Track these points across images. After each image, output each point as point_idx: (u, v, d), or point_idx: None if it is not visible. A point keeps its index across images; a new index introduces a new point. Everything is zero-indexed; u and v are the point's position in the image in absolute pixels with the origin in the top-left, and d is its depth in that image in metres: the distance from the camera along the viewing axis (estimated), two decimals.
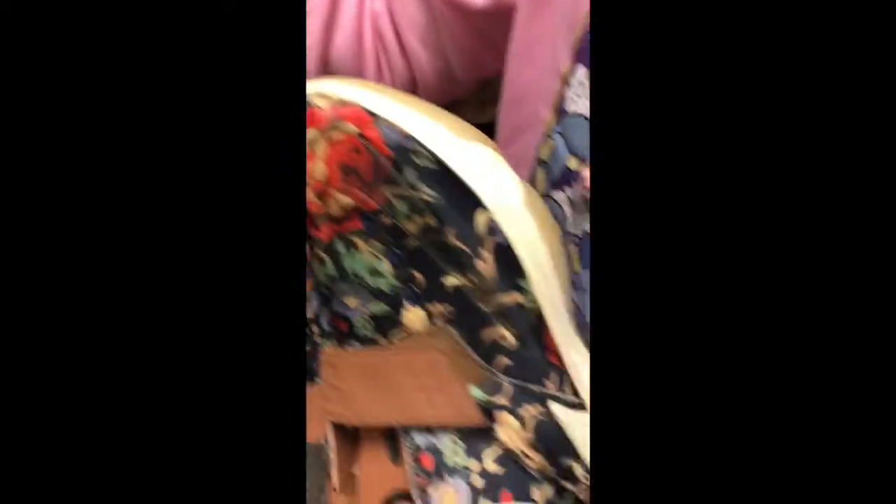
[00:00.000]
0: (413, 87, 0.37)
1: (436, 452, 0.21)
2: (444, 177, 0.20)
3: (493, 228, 0.20)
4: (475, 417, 0.20)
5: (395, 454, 0.22)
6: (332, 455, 0.23)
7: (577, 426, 0.22)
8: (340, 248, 0.21)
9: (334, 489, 0.23)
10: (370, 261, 0.21)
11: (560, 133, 0.27)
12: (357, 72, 0.35)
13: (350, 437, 0.23)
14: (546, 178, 0.28)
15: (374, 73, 0.36)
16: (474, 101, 0.40)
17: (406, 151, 0.20)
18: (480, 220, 0.20)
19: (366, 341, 0.22)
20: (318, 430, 0.24)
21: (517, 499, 0.20)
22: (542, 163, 0.29)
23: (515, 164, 0.31)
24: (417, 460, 0.21)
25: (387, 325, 0.21)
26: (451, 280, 0.20)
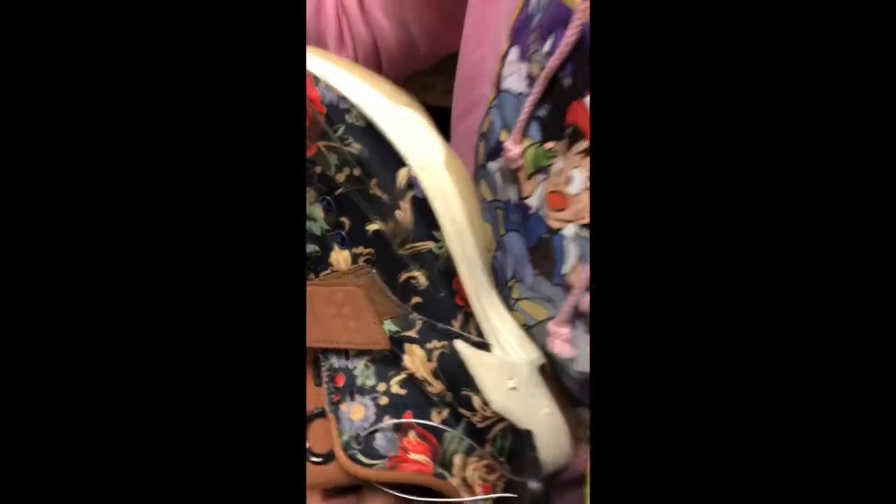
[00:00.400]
0: (375, 54, 0.39)
1: (349, 374, 0.24)
2: (371, 134, 0.23)
3: (412, 183, 0.23)
4: (381, 343, 0.23)
5: (319, 379, 0.25)
6: None
7: (478, 362, 0.25)
8: None
9: None
10: (305, 206, 0.24)
11: (496, 108, 0.30)
12: (318, 35, 0.37)
13: None
14: (484, 150, 0.31)
15: (335, 38, 0.38)
16: (440, 87, 0.42)
17: (339, 110, 0.23)
18: (401, 174, 0.23)
19: None
20: None
21: (417, 417, 0.23)
22: (482, 136, 0.31)
23: (467, 139, 0.33)
24: (333, 380, 0.24)
25: (317, 264, 0.24)
26: (373, 226, 0.23)
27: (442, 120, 0.38)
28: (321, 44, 0.37)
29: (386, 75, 0.41)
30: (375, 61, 0.39)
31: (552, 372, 0.27)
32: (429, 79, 0.46)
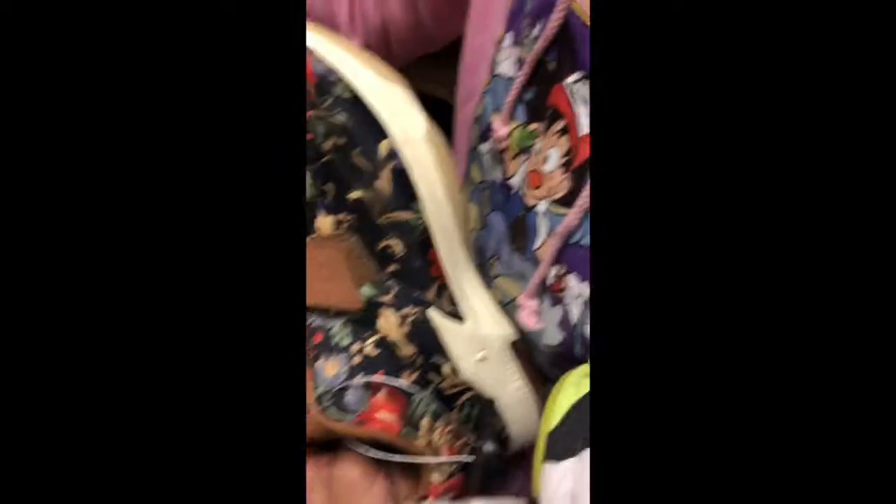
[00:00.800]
0: (385, 34, 0.41)
1: (327, 332, 0.25)
2: (357, 105, 0.24)
3: (393, 154, 0.24)
4: (356, 305, 0.24)
5: None
6: None
7: (450, 331, 0.26)
8: None
9: None
10: (306, 188, 0.25)
11: (489, 92, 0.31)
12: (330, 15, 0.39)
13: None
14: (477, 133, 0.32)
15: (346, 17, 0.39)
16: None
17: (329, 81, 0.24)
18: (383, 145, 0.24)
19: None
20: None
21: (388, 377, 0.24)
22: (476, 120, 0.32)
23: (466, 125, 0.35)
24: (310, 337, 0.25)
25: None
26: (355, 194, 0.25)
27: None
28: (333, 25, 0.39)
29: (396, 57, 0.42)
30: (385, 42, 0.40)
31: (524, 348, 0.28)
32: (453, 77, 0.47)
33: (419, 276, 0.25)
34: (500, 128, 0.28)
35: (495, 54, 0.31)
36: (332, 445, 0.27)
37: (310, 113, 0.24)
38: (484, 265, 0.30)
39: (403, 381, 0.25)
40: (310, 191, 0.25)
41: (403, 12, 0.40)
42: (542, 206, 0.25)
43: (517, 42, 0.29)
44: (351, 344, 0.25)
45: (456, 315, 0.26)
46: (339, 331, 0.25)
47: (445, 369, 0.25)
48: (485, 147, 0.31)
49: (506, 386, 0.27)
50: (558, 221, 0.24)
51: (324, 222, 0.25)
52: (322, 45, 0.25)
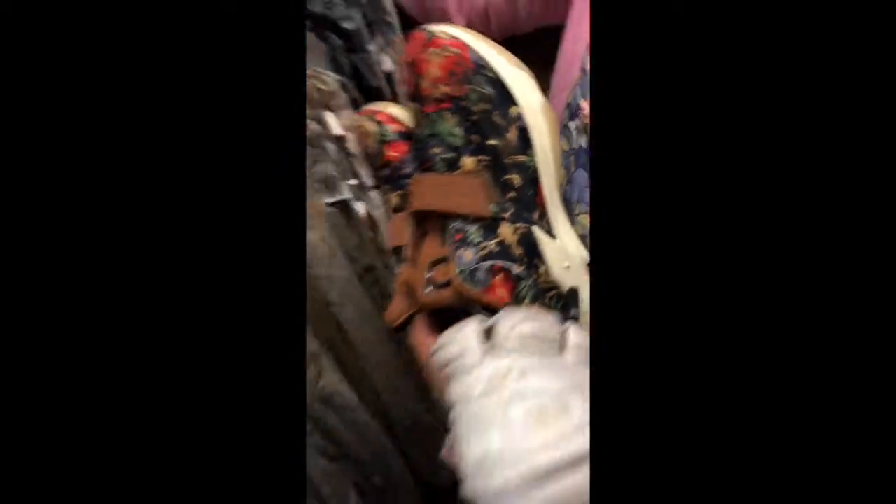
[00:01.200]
0: (486, 17, 0.53)
1: (465, 233, 0.37)
2: (497, 82, 0.36)
3: (519, 117, 0.36)
4: (486, 215, 0.36)
5: (443, 241, 0.38)
6: (408, 245, 0.40)
7: (546, 243, 0.37)
8: (436, 118, 0.38)
9: (405, 261, 0.40)
10: (451, 127, 0.38)
11: (579, 85, 0.43)
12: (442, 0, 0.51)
13: (419, 234, 0.40)
14: (568, 114, 0.44)
15: (455, 1, 0.52)
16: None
17: (481, 66, 0.36)
18: (513, 111, 0.36)
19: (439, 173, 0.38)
20: (401, 238, 0.41)
21: (504, 267, 0.36)
22: (567, 105, 0.44)
23: (557, 111, 0.46)
24: (453, 235, 0.37)
25: (453, 164, 0.38)
26: (491, 141, 0.37)
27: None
28: (443, 6, 0.51)
29: (492, 35, 0.55)
30: (486, 23, 0.52)
31: None
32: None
33: (529, 202, 0.37)
34: (586, 106, 0.40)
35: (584, 55, 0.43)
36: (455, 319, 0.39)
37: (467, 86, 0.37)
38: (569, 210, 0.41)
39: (515, 268, 0.36)
40: (460, 140, 0.38)
41: (505, 3, 0.52)
42: None
43: None
44: (481, 242, 0.37)
45: (551, 234, 0.38)
46: (474, 232, 0.37)
47: (542, 269, 0.37)
48: (573, 124, 0.43)
49: (583, 291, 0.38)
50: None
51: (468, 161, 0.37)
52: (474, 42, 0.37)
